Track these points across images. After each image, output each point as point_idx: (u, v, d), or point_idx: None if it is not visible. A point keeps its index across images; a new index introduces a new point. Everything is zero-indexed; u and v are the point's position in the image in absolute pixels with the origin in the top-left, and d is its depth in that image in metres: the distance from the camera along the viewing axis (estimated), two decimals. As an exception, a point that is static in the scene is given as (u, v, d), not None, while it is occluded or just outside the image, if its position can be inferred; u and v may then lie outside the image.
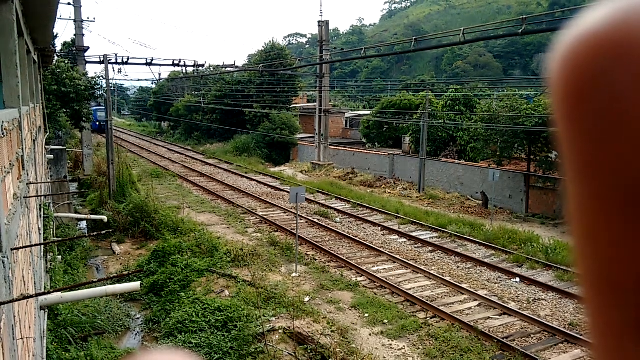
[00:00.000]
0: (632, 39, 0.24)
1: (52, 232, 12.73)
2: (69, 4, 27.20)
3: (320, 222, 19.34)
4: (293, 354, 10.07)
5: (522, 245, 16.30)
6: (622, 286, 0.25)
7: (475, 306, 12.19)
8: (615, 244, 0.25)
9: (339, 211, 21.37)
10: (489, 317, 11.56)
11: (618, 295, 0.26)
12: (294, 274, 13.96)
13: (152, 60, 27.51)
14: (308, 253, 15.90)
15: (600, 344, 0.27)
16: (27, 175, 6.19)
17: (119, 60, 26.14)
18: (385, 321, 11.27)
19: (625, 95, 0.24)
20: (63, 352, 9.97)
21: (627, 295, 0.25)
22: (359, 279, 13.81)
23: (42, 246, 9.08)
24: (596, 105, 0.25)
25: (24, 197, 5.27)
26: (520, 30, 14.38)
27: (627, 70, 0.24)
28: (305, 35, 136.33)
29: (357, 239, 17.23)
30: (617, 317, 0.26)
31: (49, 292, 5.16)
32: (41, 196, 10.12)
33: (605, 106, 0.25)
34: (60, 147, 20.79)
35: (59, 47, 29.60)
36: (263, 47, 45.01)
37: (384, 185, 28.08)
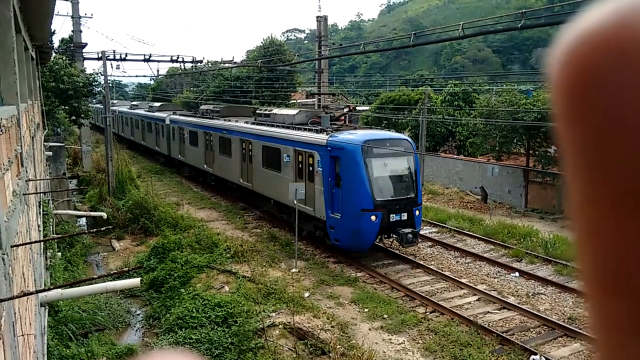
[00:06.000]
0: (634, 37, 0.24)
1: (51, 229, 12.71)
2: (66, -1, 27.07)
3: (320, 218, 19.31)
4: (293, 349, 10.10)
5: (521, 240, 16.32)
6: (623, 280, 0.25)
7: (474, 301, 12.22)
8: (616, 239, 0.25)
9: (338, 207, 21.32)
10: (488, 312, 11.59)
11: (619, 290, 0.26)
12: (293, 270, 13.97)
13: (150, 56, 27.44)
14: (307, 248, 15.92)
15: (602, 338, 0.27)
16: (26, 172, 6.18)
17: (117, 57, 26.07)
18: (385, 316, 11.30)
19: (628, 93, 0.24)
20: (64, 349, 9.99)
21: (629, 289, 0.25)
22: (359, 274, 13.83)
23: (42, 243, 9.09)
24: (598, 103, 0.25)
25: (23, 194, 5.26)
26: (520, 25, 14.33)
27: (630, 67, 0.24)
28: (303, 31, 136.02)
29: (356, 234, 17.22)
30: (618, 311, 0.26)
31: (49, 289, 5.17)
32: (40, 193, 10.11)
33: (607, 103, 0.25)
34: (59, 144, 20.75)
35: (56, 44, 29.47)
36: (261, 42, 44.74)
37: (383, 181, 28.02)
